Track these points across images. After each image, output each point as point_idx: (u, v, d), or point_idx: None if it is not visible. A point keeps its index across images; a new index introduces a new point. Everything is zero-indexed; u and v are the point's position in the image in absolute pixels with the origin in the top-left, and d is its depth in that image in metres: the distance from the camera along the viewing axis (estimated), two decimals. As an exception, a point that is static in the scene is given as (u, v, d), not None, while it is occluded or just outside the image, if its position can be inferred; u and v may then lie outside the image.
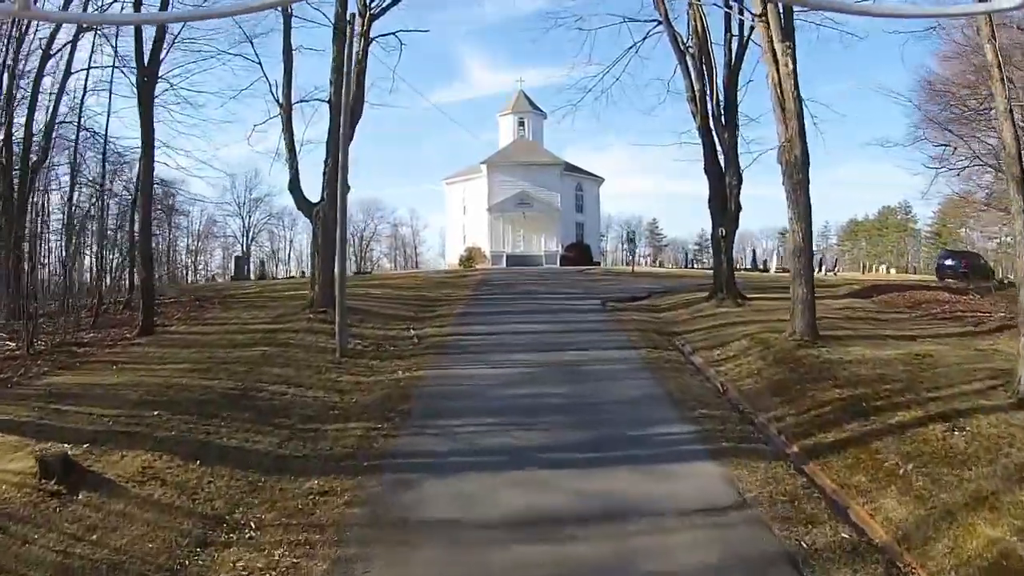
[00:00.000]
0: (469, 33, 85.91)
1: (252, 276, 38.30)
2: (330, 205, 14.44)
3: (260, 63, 16.46)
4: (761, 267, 43.45)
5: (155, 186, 38.75)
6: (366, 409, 8.56)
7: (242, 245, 54.76)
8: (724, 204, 15.39)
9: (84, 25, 17.50)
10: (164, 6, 14.82)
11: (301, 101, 16.06)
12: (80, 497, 6.22)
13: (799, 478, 6.66)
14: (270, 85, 15.97)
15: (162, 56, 18.46)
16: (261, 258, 55.85)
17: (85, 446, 7.27)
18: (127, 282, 20.19)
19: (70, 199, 20.76)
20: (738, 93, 15.56)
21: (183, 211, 48.56)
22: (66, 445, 7.20)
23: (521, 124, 42.80)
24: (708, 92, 15.54)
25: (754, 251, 60.06)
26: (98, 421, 8.11)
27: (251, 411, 8.71)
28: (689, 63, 15.89)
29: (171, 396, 9.17)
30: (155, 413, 8.36)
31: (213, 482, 6.70)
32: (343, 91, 13.09)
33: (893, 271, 50.87)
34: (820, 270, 41.83)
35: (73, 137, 19.99)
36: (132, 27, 15.12)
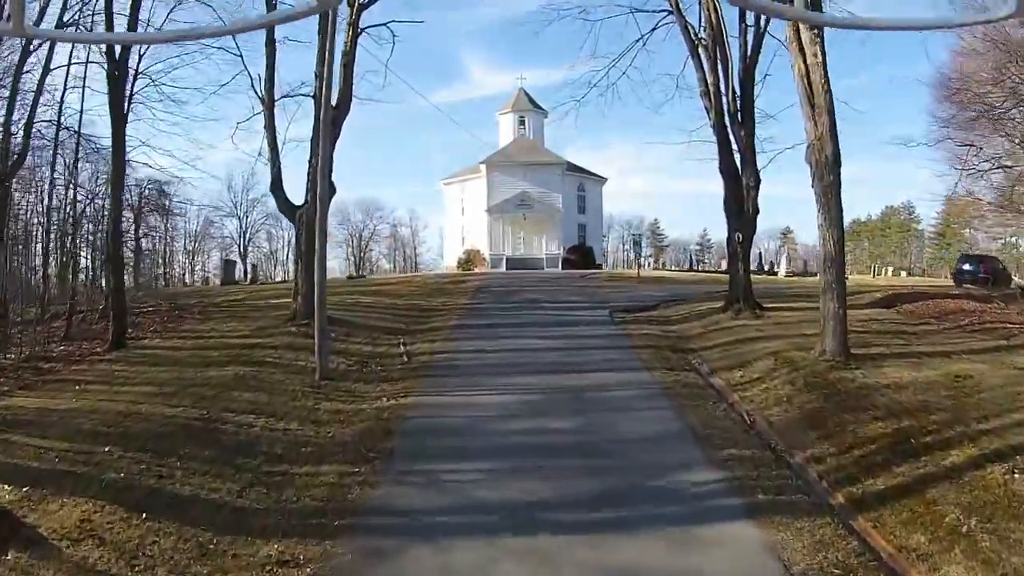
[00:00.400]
0: (469, 33, 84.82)
1: (248, 279, 37.22)
2: (314, 208, 13.34)
3: (241, 56, 15.52)
4: (767, 269, 42.22)
5: (149, 187, 37.95)
6: (343, 447, 7.48)
7: (239, 246, 53.67)
8: (740, 207, 14.25)
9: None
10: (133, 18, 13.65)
11: (285, 96, 15.04)
12: (8, 558, 5.27)
13: (850, 540, 5.62)
14: (252, 79, 14.98)
15: (142, 51, 17.58)
16: (255, 261, 54.75)
17: (25, 490, 6.35)
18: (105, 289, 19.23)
19: (49, 200, 19.85)
20: (755, 88, 14.46)
21: (179, 212, 47.61)
22: (5, 487, 6.34)
23: (521, 123, 41.56)
24: (724, 87, 14.43)
25: (760, 253, 58.84)
26: (45, 457, 7.20)
27: (213, 448, 7.68)
28: (702, 56, 14.78)
29: (128, 427, 8.23)
30: (107, 449, 7.43)
31: (158, 542, 5.67)
32: (323, 83, 12.03)
33: (903, 274, 49.67)
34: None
35: (65, 138, 19.14)
36: (104, 18, 14.14)
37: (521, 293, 19.85)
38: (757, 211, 14.27)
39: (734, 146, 14.47)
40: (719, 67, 14.62)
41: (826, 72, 10.71)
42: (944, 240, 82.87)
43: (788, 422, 8.32)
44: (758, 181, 14.09)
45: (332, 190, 13.77)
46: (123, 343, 13.77)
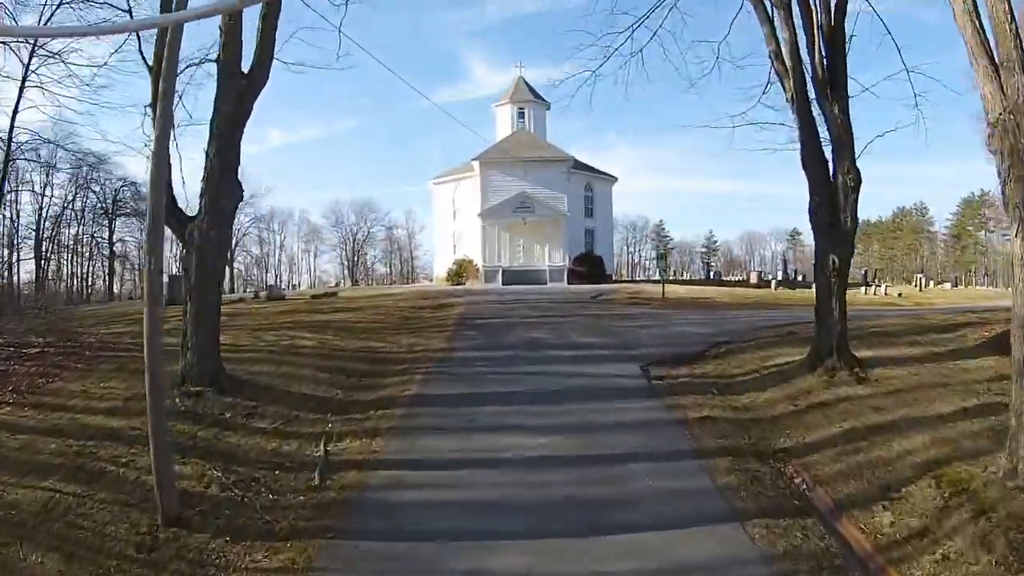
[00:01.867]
0: (470, 32, 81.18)
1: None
2: (212, 220, 9.14)
3: (130, 11, 11.36)
4: (802, 280, 37.70)
5: (126, 188, 33.48)
6: None
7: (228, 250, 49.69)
8: (834, 216, 9.92)
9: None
10: None
11: (190, 66, 10.86)
12: None
13: None
14: (140, 41, 10.91)
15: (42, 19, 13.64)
16: (242, 267, 50.54)
17: None
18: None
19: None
20: (846, 47, 10.15)
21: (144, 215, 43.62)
22: None
23: (520, 115, 37.22)
24: (807, 47, 10.13)
25: (784, 260, 54.32)
26: None
27: None
28: (768, 4, 10.54)
29: None
30: None
31: None
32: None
33: (947, 286, 45.03)
34: (879, 288, 36.00)
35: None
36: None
37: (518, 329, 15.42)
38: (856, 223, 9.92)
39: (818, 129, 10.16)
40: (794, 21, 10.33)
41: (1012, 10, 6.51)
42: (959, 243, 78.92)
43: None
44: (858, 180, 9.70)
45: (238, 194, 9.59)
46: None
